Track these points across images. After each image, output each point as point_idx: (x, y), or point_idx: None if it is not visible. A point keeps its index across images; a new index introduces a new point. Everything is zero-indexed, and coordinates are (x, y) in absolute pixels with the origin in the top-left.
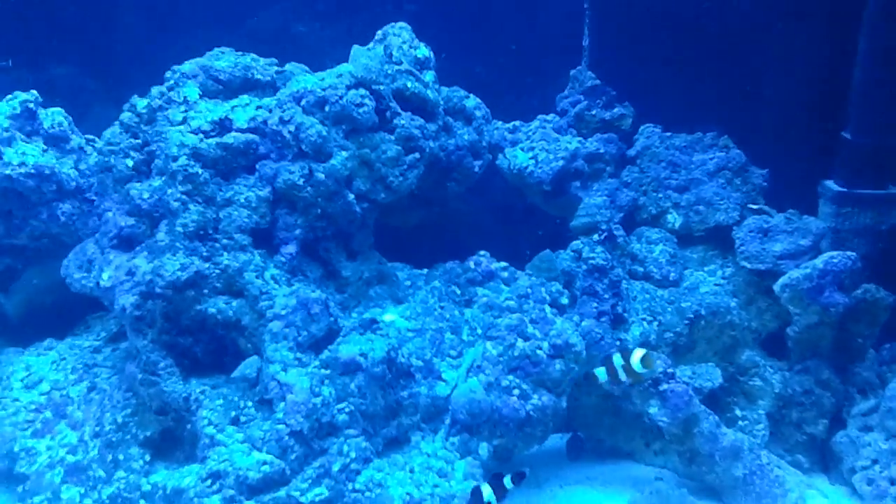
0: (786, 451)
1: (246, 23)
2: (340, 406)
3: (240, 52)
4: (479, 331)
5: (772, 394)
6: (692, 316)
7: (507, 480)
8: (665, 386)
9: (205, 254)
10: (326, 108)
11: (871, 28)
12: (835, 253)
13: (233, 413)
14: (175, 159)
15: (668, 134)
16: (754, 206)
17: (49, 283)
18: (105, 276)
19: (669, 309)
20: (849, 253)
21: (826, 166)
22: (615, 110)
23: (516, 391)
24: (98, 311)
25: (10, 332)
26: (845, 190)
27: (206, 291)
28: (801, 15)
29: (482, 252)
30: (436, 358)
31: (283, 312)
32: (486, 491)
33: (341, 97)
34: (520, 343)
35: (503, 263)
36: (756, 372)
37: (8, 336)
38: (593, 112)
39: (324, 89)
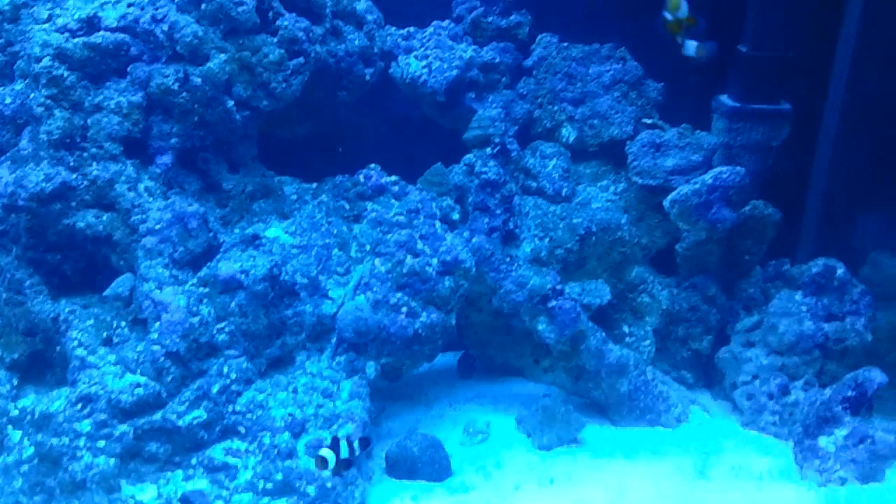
0: (671, 367)
1: None
2: (220, 325)
3: None
4: (368, 247)
5: (659, 310)
6: (583, 232)
7: (348, 445)
8: (553, 303)
9: (72, 164)
10: (203, 7)
11: None
12: (724, 168)
13: (105, 334)
14: (38, 60)
15: (566, 44)
16: (649, 121)
17: None
18: None
19: (561, 225)
20: (737, 168)
21: (722, 81)
22: (512, 17)
23: (404, 309)
24: None
25: None
26: (738, 105)
27: (73, 204)
28: None
29: (372, 165)
30: (322, 275)
31: (158, 227)
32: (330, 455)
33: None
34: (409, 259)
35: (394, 177)
36: (644, 288)
37: None
38: (489, 19)
39: None
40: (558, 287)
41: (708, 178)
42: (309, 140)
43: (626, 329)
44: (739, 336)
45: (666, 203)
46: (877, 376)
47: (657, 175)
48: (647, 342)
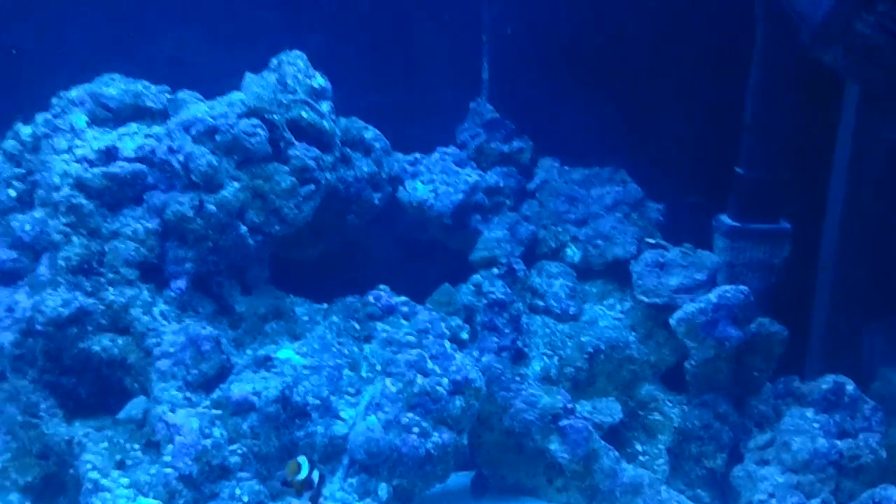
0: (686, 486)
1: (139, 49)
2: (232, 447)
3: (130, 79)
4: (379, 367)
5: (671, 428)
6: (592, 350)
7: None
8: (565, 422)
9: (89, 289)
10: (217, 138)
11: (759, 64)
12: (728, 287)
13: (118, 456)
14: (58, 189)
15: (567, 168)
16: (651, 241)
17: None
18: None
19: (569, 343)
20: (741, 287)
21: (721, 201)
22: (514, 143)
23: (416, 429)
24: None
25: None
26: (738, 224)
27: (90, 328)
28: (696, 50)
29: (382, 286)
30: (333, 396)
31: (172, 350)
32: None
33: (233, 126)
34: (419, 379)
35: (403, 297)
36: (656, 406)
37: None
38: (493, 145)
39: (214, 118)
40: (569, 406)
41: (713, 296)
42: (319, 261)
43: (638, 447)
44: (753, 454)
45: (672, 321)
46: (894, 494)
47: (662, 294)
48: (661, 460)
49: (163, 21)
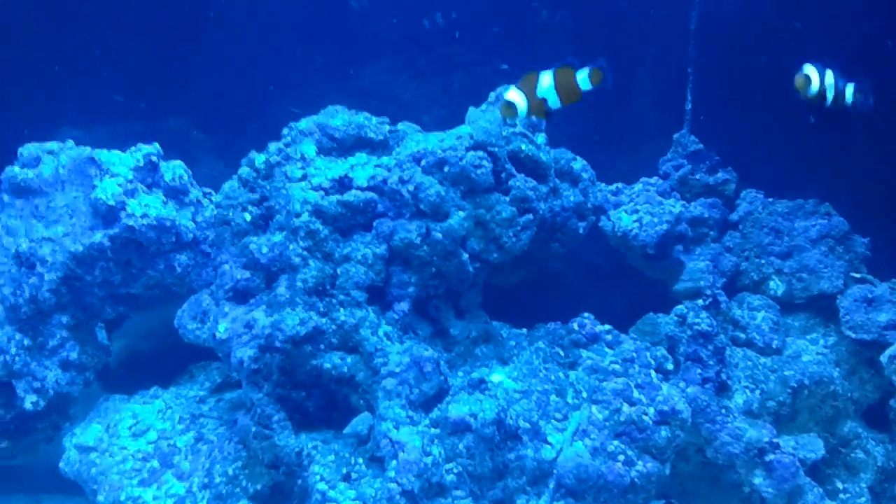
0: None
1: (350, 81)
2: (449, 466)
3: (353, 111)
4: (584, 394)
5: (874, 467)
6: (795, 385)
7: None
8: (771, 456)
9: (322, 309)
10: (445, 169)
11: None
12: None
13: (344, 469)
14: (298, 215)
15: (771, 200)
16: (857, 275)
17: (148, 330)
18: (221, 328)
19: (772, 377)
20: None
21: None
22: (718, 175)
23: (621, 457)
24: (199, 359)
25: (109, 377)
26: None
27: (322, 347)
28: None
29: (586, 314)
30: (542, 420)
31: (398, 370)
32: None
33: (461, 158)
34: (625, 408)
35: (607, 326)
36: (858, 444)
37: (106, 381)
38: (697, 176)
39: (444, 150)
40: (775, 440)
41: None
42: (518, 287)
43: (839, 485)
44: None
45: (884, 359)
46: None
47: (871, 330)
48: (863, 499)
49: (369, 54)
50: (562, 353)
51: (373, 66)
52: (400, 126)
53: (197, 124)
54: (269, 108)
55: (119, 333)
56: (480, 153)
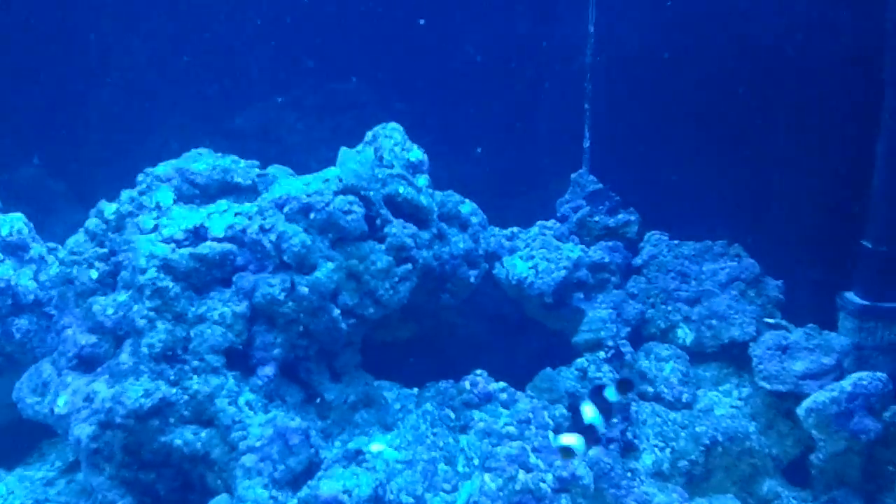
0: None
1: (226, 121)
2: None
3: (219, 154)
4: (477, 461)
5: None
6: (708, 442)
7: (610, 392)
8: None
9: (172, 378)
10: (311, 216)
11: (886, 134)
12: (864, 374)
13: None
14: (143, 272)
15: (676, 242)
16: (770, 321)
17: None
18: (60, 401)
19: (683, 434)
20: (879, 374)
21: (845, 277)
22: (620, 216)
23: None
24: (54, 436)
25: None
26: (868, 303)
27: (171, 420)
28: (816, 118)
29: (478, 371)
30: (428, 493)
31: (258, 444)
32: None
33: (328, 203)
34: (521, 475)
35: (501, 384)
36: None
37: None
38: (596, 218)
39: (309, 195)
40: None
41: (847, 384)
42: (409, 343)
43: None
44: None
45: (801, 412)
46: None
47: (786, 380)
48: None
49: (250, 94)
50: (452, 416)
51: (255, 106)
52: (270, 170)
53: (53, 173)
54: (135, 152)
55: None
56: (350, 198)
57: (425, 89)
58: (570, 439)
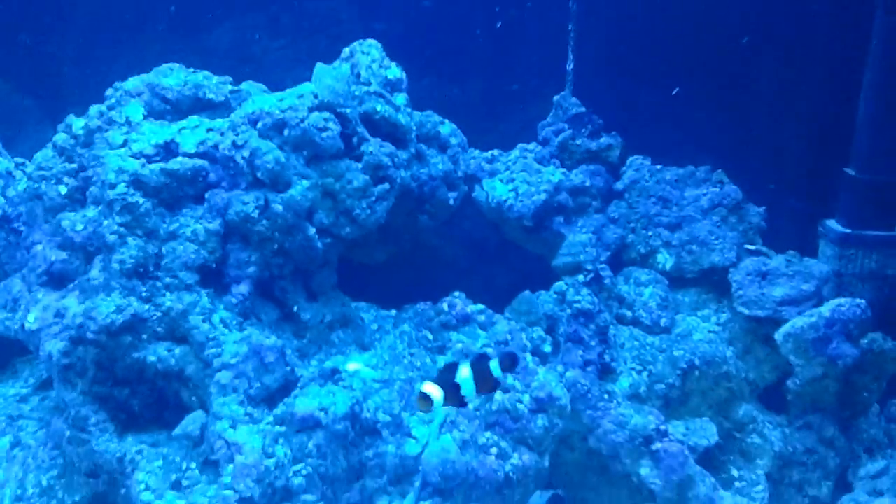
0: None
1: (200, 38)
2: (297, 468)
3: (191, 70)
4: None
5: (771, 452)
6: (685, 366)
7: (493, 364)
8: (658, 445)
9: (144, 294)
10: (286, 132)
11: (876, 60)
12: (843, 300)
13: (173, 476)
14: (113, 186)
15: (659, 167)
16: (751, 247)
17: None
18: (31, 317)
19: (661, 358)
20: (858, 300)
21: (827, 204)
22: (602, 140)
23: (494, 450)
24: (27, 353)
25: None
26: (849, 231)
27: (144, 337)
28: (803, 44)
29: (457, 293)
30: (405, 412)
31: (233, 361)
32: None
33: (302, 120)
34: (498, 395)
35: (480, 306)
36: (754, 428)
37: None
38: (578, 142)
39: (283, 111)
40: (662, 427)
41: (825, 310)
42: (387, 264)
43: (734, 472)
44: (864, 483)
45: (779, 337)
46: None
47: (765, 306)
48: (760, 487)
49: (224, 9)
50: (430, 337)
51: (229, 24)
52: (243, 86)
53: (21, 88)
54: (108, 68)
55: None
56: (326, 114)
57: (405, 8)
58: (432, 389)
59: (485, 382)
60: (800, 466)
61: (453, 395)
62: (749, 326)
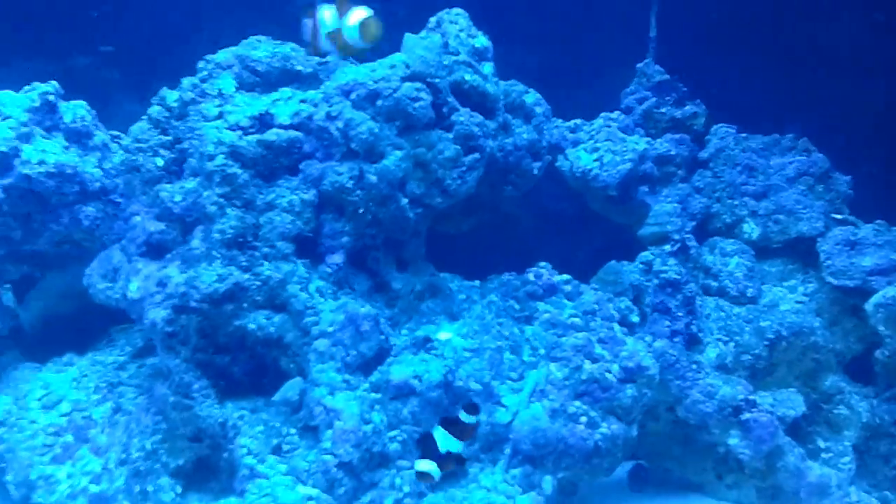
0: (872, 487)
1: (281, 10)
2: (392, 434)
3: (278, 41)
4: (542, 351)
5: (858, 423)
6: (772, 336)
7: (463, 415)
8: (747, 415)
9: (244, 263)
10: (378, 103)
11: None
12: None
13: (274, 441)
14: (211, 158)
15: (744, 135)
16: (839, 216)
17: (68, 292)
18: (133, 286)
19: (747, 328)
20: None
21: None
22: (687, 108)
23: (584, 419)
24: (122, 322)
25: (26, 344)
26: None
27: (245, 305)
28: (892, 14)
29: (542, 263)
30: (495, 381)
31: (331, 329)
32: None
33: (395, 90)
34: (587, 365)
35: (566, 276)
36: (841, 399)
37: (23, 349)
38: (662, 110)
39: (376, 81)
40: (751, 398)
41: None
42: (470, 235)
43: (821, 444)
44: None
45: (869, 307)
46: None
47: (854, 276)
48: (847, 459)
49: None
50: (517, 307)
51: None
52: (330, 57)
53: (108, 62)
54: (191, 40)
55: (34, 295)
56: (418, 84)
57: None
58: (426, 465)
59: (463, 430)
60: (887, 438)
61: (444, 459)
62: (836, 297)
